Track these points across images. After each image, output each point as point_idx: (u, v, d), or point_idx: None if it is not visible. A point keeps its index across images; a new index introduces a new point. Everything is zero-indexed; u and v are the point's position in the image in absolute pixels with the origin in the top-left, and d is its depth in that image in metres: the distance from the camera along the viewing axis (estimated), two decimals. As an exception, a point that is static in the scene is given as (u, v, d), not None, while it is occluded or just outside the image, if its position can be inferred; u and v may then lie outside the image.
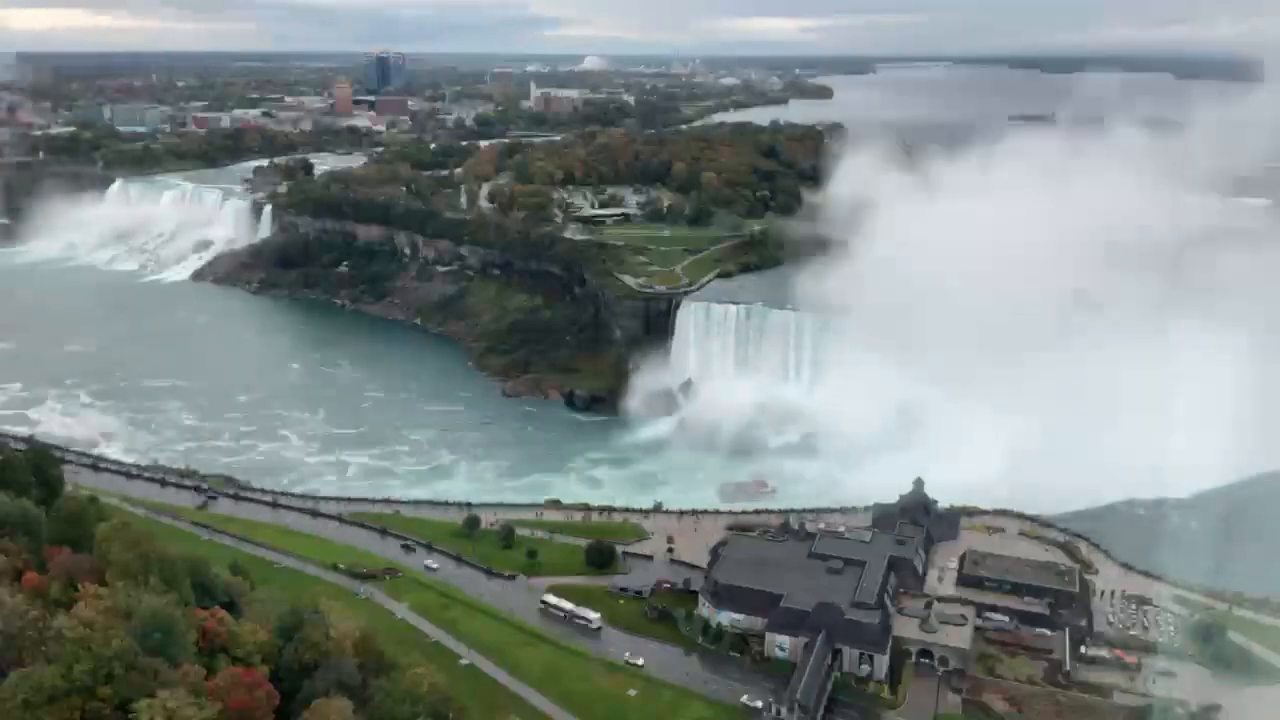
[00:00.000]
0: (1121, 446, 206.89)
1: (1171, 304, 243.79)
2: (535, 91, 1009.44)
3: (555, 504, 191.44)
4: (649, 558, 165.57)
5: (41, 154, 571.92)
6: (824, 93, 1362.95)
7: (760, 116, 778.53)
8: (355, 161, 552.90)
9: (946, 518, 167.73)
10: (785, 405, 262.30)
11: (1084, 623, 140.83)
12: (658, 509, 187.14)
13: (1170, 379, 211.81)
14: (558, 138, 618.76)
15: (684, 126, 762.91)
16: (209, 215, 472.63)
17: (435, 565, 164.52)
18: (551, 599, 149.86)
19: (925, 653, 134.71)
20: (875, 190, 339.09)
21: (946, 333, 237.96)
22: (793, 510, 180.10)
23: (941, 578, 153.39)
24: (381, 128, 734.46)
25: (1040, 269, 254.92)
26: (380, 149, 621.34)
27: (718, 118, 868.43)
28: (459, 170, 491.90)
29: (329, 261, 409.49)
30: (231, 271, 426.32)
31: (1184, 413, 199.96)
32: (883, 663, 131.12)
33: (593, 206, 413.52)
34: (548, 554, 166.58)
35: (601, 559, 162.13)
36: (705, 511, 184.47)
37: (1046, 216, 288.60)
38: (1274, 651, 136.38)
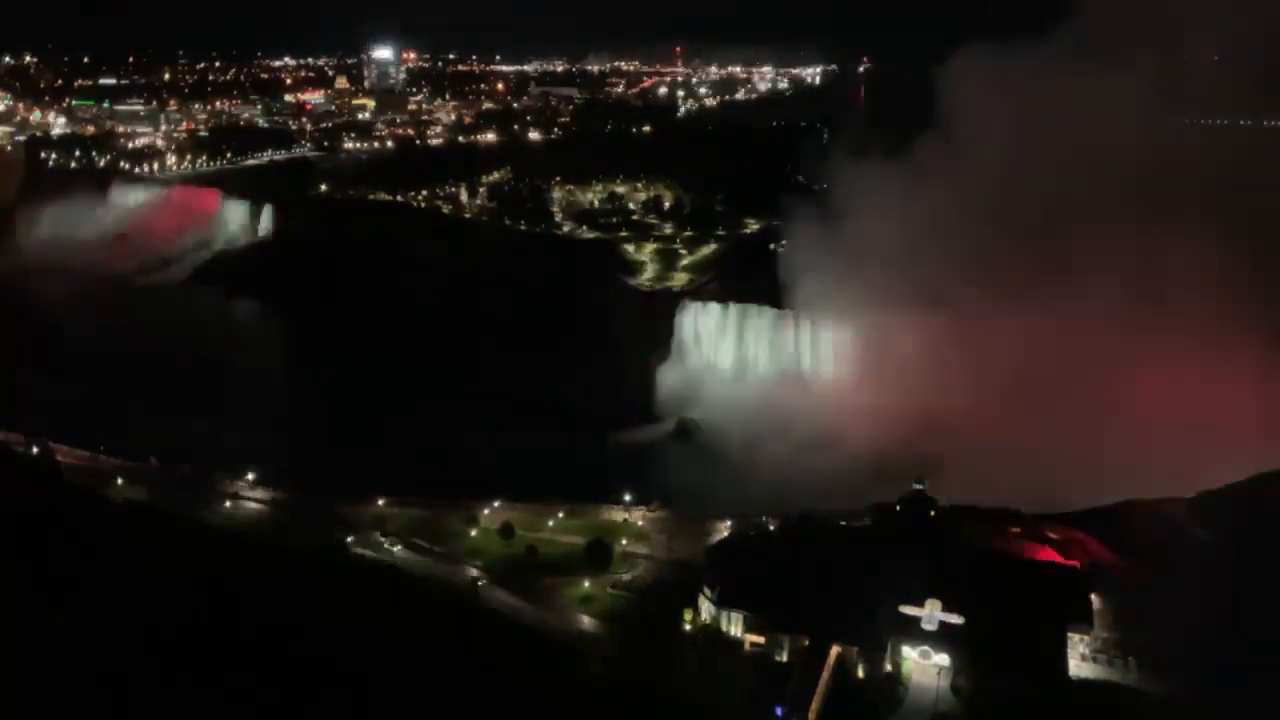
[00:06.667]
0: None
1: None
2: (535, 91, 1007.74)
3: (555, 501, 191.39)
4: (649, 556, 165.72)
5: (41, 153, 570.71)
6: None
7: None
8: (355, 159, 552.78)
9: (947, 517, 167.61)
10: (786, 405, 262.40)
11: (1084, 622, 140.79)
12: (657, 507, 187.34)
13: None
14: (558, 137, 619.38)
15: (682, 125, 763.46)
16: (209, 215, 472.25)
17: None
18: None
19: (926, 652, 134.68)
20: None
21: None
22: (793, 510, 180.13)
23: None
24: (381, 126, 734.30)
25: None
26: (379, 147, 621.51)
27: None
28: (459, 170, 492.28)
29: (329, 260, 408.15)
30: (232, 271, 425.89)
31: None
32: (883, 663, 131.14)
33: (593, 206, 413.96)
34: (547, 551, 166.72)
35: (601, 557, 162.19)
36: (705, 511, 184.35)
37: None
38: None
